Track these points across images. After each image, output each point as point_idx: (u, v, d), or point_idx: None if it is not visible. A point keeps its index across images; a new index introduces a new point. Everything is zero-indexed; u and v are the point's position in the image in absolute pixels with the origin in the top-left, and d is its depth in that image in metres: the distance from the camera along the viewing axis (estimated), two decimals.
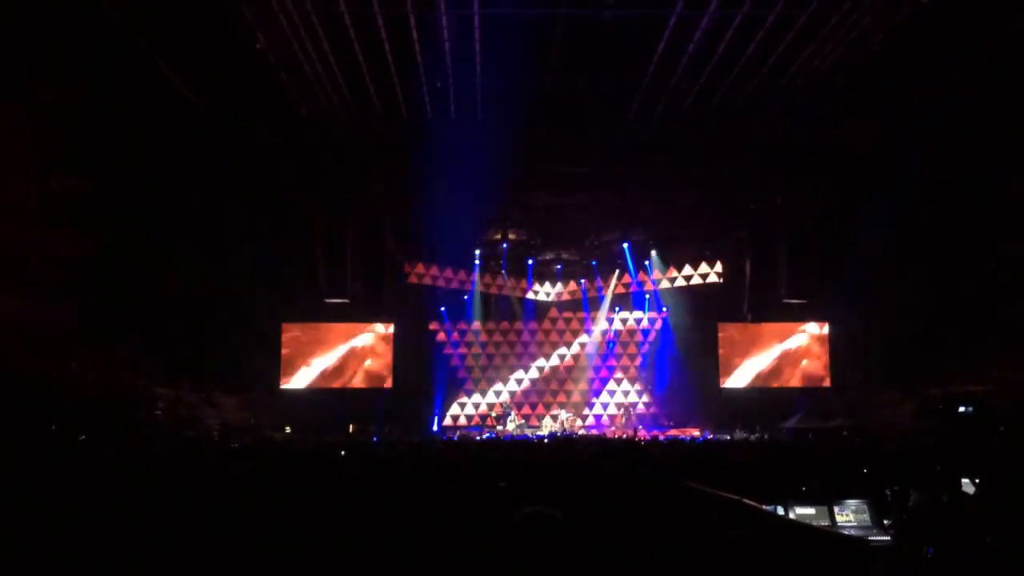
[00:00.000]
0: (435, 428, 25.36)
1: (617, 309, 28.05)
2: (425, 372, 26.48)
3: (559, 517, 2.73)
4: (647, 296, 27.51)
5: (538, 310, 28.37)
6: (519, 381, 27.81)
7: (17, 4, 14.95)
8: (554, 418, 26.02)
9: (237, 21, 15.17)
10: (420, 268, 26.38)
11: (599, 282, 27.80)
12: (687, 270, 26.75)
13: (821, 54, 16.48)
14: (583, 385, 27.95)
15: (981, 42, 15.72)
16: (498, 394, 27.35)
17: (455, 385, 27.47)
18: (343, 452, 12.45)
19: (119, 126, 19.68)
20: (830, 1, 14.46)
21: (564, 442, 16.38)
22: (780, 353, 25.32)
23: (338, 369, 24.98)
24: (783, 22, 15.24)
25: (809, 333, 25.40)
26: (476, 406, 27.37)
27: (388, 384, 25.05)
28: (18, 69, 17.53)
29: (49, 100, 18.81)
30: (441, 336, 27.64)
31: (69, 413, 16.12)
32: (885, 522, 6.42)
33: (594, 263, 27.15)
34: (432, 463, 10.21)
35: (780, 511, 6.28)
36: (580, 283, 28.14)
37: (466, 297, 27.20)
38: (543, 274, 27.93)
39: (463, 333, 27.83)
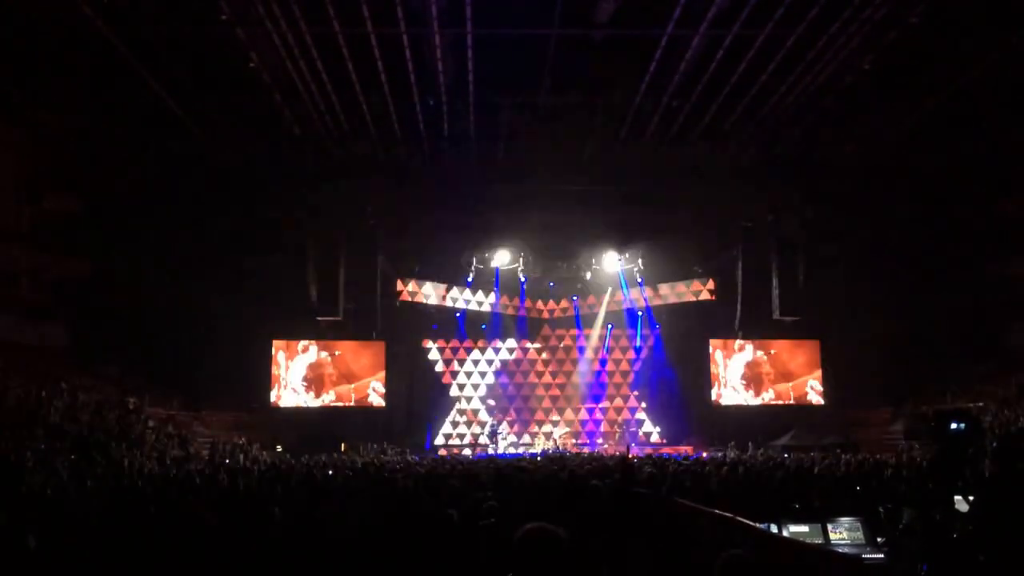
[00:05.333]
0: (427, 446, 25.23)
1: (610, 326, 28.06)
2: (417, 390, 26.39)
3: (561, 535, 2.73)
4: (639, 313, 27.54)
5: (531, 327, 28.36)
6: (511, 399, 27.74)
7: (11, 27, 14.97)
8: (547, 435, 25.95)
9: (231, 42, 15.21)
10: (412, 286, 26.37)
11: (591, 299, 27.83)
12: (679, 287, 26.81)
13: (811, 74, 16.63)
14: (576, 402, 27.92)
15: (969, 63, 15.92)
16: (491, 412, 27.26)
17: (447, 403, 27.38)
18: (330, 472, 12.40)
19: (112, 147, 19.71)
20: (819, 23, 14.60)
21: (556, 460, 16.33)
22: (772, 370, 25.34)
23: (330, 387, 24.87)
24: (773, 43, 15.40)
25: (801, 351, 25.42)
26: (468, 424, 27.28)
27: (380, 402, 24.95)
28: (11, 91, 17.56)
29: (42, 122, 18.84)
30: (433, 354, 27.59)
31: (59, 432, 16.02)
32: (879, 540, 6.42)
33: (587, 280, 27.19)
34: (424, 481, 10.17)
35: (773, 529, 6.27)
36: (573, 300, 28.16)
37: (458, 315, 27.18)
38: (534, 291, 27.93)
39: (455, 351, 27.79)
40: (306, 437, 22.70)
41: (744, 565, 3.00)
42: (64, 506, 7.94)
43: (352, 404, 24.78)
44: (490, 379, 27.75)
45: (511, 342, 28.08)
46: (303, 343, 24.79)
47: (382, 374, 24.97)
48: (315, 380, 24.77)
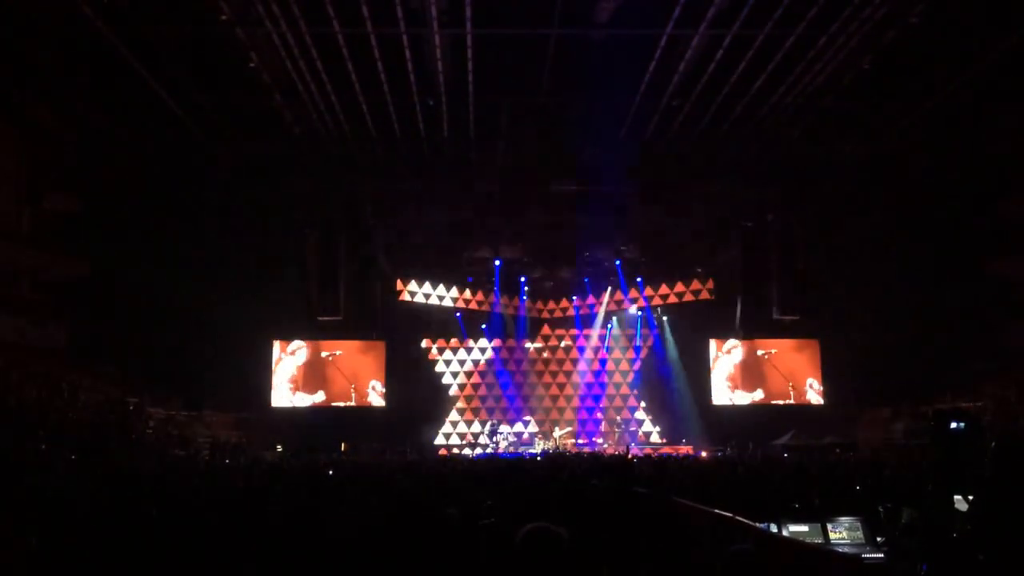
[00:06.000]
0: (427, 446, 25.24)
1: (609, 326, 28.08)
2: (417, 390, 26.39)
3: (563, 534, 2.74)
4: (639, 313, 27.56)
5: (530, 327, 28.37)
6: (511, 398, 27.75)
7: (11, 27, 14.97)
8: (546, 435, 25.95)
9: (231, 42, 15.20)
10: (412, 286, 26.38)
11: (591, 299, 27.85)
12: (679, 287, 26.82)
13: (810, 74, 16.62)
14: (575, 402, 27.93)
15: (969, 63, 15.91)
16: (490, 411, 27.29)
17: (447, 403, 27.39)
18: (330, 471, 12.40)
19: (112, 148, 19.70)
20: (819, 22, 14.59)
21: (556, 459, 16.34)
22: (771, 370, 25.34)
23: (329, 387, 24.88)
24: (772, 43, 15.38)
25: (801, 350, 25.43)
26: (468, 424, 27.30)
27: (380, 402, 24.96)
28: (12, 92, 17.56)
29: (42, 122, 18.84)
30: (433, 354, 27.60)
31: (60, 432, 16.03)
32: (878, 539, 6.42)
33: (586, 280, 27.21)
34: (424, 481, 10.17)
35: (773, 528, 6.27)
36: (572, 300, 28.18)
37: (458, 315, 27.19)
38: (534, 291, 27.94)
39: (455, 351, 27.79)
40: (306, 437, 22.72)
41: (749, 560, 3.01)
42: (64, 506, 7.94)
43: (352, 404, 24.79)
44: (490, 379, 27.76)
45: (511, 342, 28.10)
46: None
47: (382, 374, 24.99)
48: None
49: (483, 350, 27.88)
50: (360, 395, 24.83)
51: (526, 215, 23.16)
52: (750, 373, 25.46)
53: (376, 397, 24.87)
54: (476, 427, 27.08)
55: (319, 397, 24.76)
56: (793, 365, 25.29)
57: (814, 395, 24.96)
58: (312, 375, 24.91)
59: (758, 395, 25.27)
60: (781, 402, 25.05)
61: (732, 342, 25.40)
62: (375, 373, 24.97)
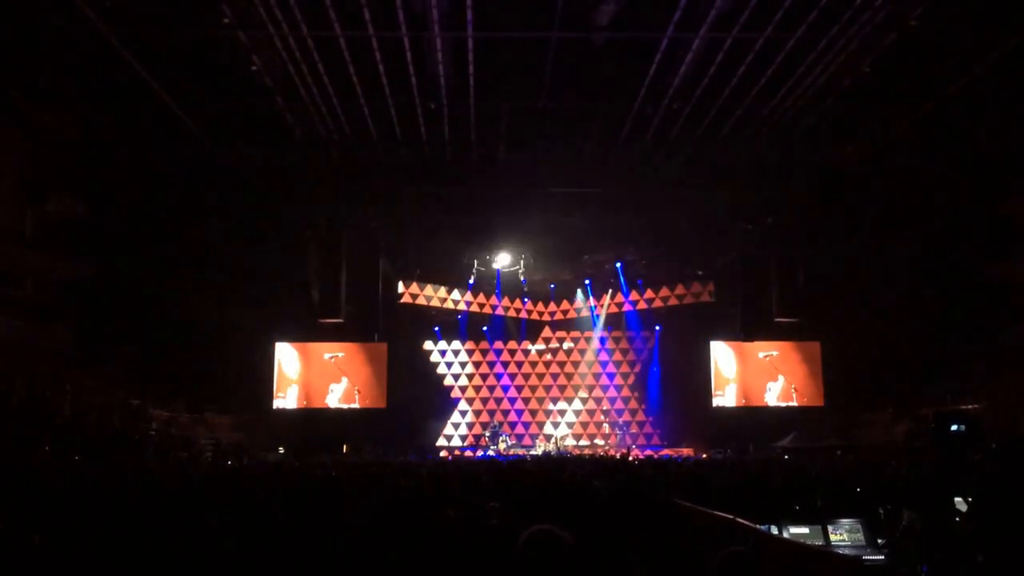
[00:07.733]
0: (428, 447, 25.27)
1: (609, 328, 28.10)
2: (418, 392, 26.42)
3: (565, 537, 2.76)
4: (640, 315, 27.59)
5: (531, 330, 28.41)
6: (512, 400, 27.78)
7: (13, 29, 15.01)
8: (547, 438, 25.97)
9: (233, 45, 15.24)
10: (414, 288, 26.41)
11: (592, 301, 27.88)
12: (680, 289, 26.85)
13: (810, 76, 16.65)
14: (577, 404, 27.95)
15: (968, 65, 15.93)
16: (492, 414, 27.30)
17: (448, 405, 27.42)
18: (332, 473, 12.41)
19: (115, 150, 19.75)
20: (818, 25, 14.62)
21: (557, 462, 16.36)
22: (772, 372, 25.36)
23: (331, 389, 24.91)
24: (772, 46, 15.41)
25: (801, 352, 25.44)
26: (469, 426, 27.31)
27: (382, 404, 24.98)
28: (14, 94, 17.61)
29: (45, 124, 18.89)
30: (434, 356, 27.62)
31: (63, 433, 16.06)
32: (879, 541, 6.44)
33: (587, 282, 27.24)
34: (426, 483, 10.19)
35: (774, 530, 6.29)
36: (573, 302, 28.22)
37: (460, 317, 27.23)
38: (536, 294, 27.98)
39: (456, 353, 27.82)
40: (308, 438, 22.76)
41: (743, 562, 3.04)
42: (67, 507, 7.96)
43: (354, 406, 24.83)
44: (491, 381, 27.80)
45: (512, 344, 28.13)
46: (305, 345, 24.87)
47: (383, 376, 25.01)
48: (316, 382, 24.82)
49: (484, 352, 27.92)
50: (361, 397, 24.86)
51: (527, 217, 23.17)
52: (750, 375, 25.46)
53: (377, 399, 24.83)
54: (477, 429, 27.10)
55: (321, 399, 24.78)
56: (793, 367, 25.30)
57: (815, 397, 24.89)
58: (314, 377, 24.94)
59: (757, 397, 25.27)
60: (782, 404, 25.07)
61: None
62: (376, 375, 24.99)
